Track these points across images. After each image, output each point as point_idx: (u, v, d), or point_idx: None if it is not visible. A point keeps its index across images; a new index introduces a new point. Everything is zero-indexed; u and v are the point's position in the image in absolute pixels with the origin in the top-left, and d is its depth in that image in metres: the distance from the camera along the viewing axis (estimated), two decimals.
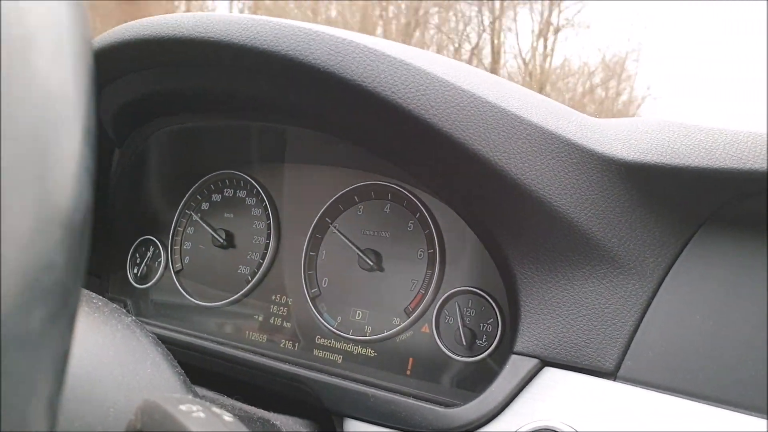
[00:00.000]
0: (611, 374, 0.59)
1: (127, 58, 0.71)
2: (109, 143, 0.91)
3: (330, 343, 0.84)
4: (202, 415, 0.32)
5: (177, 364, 0.53)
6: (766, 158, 0.57)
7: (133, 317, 0.54)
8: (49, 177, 0.22)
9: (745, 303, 0.58)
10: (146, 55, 0.69)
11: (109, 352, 0.48)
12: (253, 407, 0.66)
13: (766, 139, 0.58)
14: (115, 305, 0.55)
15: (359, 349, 0.82)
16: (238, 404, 0.65)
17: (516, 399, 0.59)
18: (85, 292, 0.55)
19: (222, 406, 0.62)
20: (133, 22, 0.69)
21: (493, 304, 0.74)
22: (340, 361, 0.82)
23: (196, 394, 0.51)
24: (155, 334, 0.85)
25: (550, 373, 0.60)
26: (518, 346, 0.61)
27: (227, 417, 0.33)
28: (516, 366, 0.60)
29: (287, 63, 0.60)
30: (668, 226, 0.62)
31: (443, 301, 0.77)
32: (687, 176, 0.59)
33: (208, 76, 0.69)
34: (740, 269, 0.59)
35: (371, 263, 0.82)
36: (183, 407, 0.32)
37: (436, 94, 0.59)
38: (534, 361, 0.60)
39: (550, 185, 0.60)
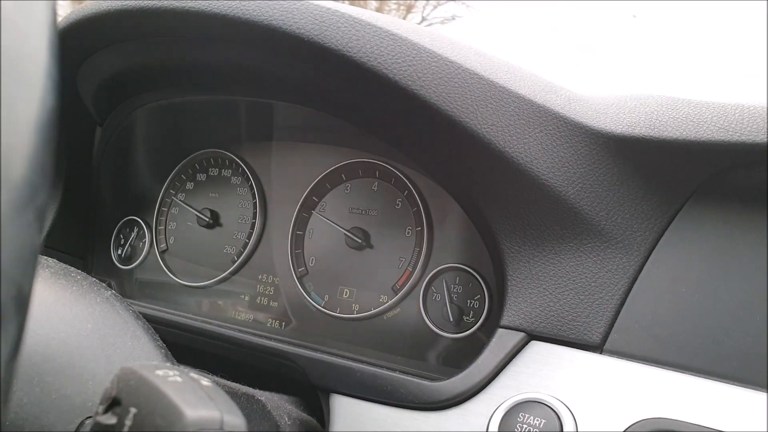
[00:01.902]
0: (597, 347, 0.58)
1: (103, 32, 0.70)
2: (90, 121, 0.89)
3: (317, 321, 0.83)
4: (179, 379, 0.31)
5: (158, 338, 0.52)
6: (752, 130, 0.56)
7: (113, 291, 0.53)
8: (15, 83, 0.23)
9: (731, 275, 0.58)
10: (123, 27, 0.68)
11: (87, 324, 0.47)
12: (238, 384, 0.65)
13: (753, 111, 0.58)
14: (94, 279, 0.54)
15: (346, 328, 0.81)
16: (223, 381, 0.64)
17: (502, 372, 0.59)
18: (65, 266, 0.54)
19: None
20: None
21: (481, 281, 0.73)
22: (327, 339, 0.81)
23: (177, 365, 0.50)
24: (142, 312, 0.84)
25: (536, 347, 0.60)
26: (505, 319, 0.61)
27: (205, 381, 0.32)
28: (502, 339, 0.60)
29: (270, 32, 0.59)
30: (656, 199, 0.61)
31: (431, 278, 0.77)
32: (674, 149, 0.59)
33: (188, 48, 0.68)
34: (727, 241, 0.59)
35: (359, 241, 0.81)
36: (160, 372, 0.31)
37: (424, 65, 0.58)
38: (520, 335, 0.60)
39: (538, 158, 0.60)
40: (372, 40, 0.58)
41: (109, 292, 0.52)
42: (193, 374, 0.33)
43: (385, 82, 0.58)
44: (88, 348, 0.46)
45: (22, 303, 0.25)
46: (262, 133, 0.93)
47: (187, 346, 0.79)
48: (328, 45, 0.58)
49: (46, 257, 0.55)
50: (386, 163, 0.82)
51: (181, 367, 0.44)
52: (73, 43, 0.73)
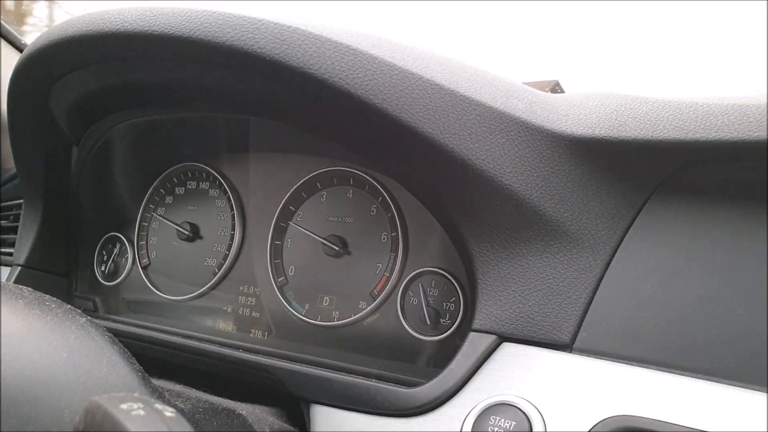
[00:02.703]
0: (567, 346, 0.60)
1: (71, 55, 0.71)
2: (65, 141, 0.90)
3: (299, 330, 0.84)
4: (141, 413, 0.32)
5: (135, 361, 0.53)
6: (706, 128, 0.58)
7: (88, 317, 0.54)
8: None
9: (694, 269, 0.59)
10: (90, 51, 0.69)
11: (62, 353, 0.48)
12: (220, 398, 0.67)
13: (706, 109, 0.59)
14: (69, 306, 0.55)
15: (328, 335, 0.83)
16: (204, 396, 0.65)
17: (475, 375, 0.60)
18: (39, 295, 0.55)
19: (187, 399, 0.63)
20: (75, 17, 0.68)
21: (455, 284, 0.75)
22: (310, 347, 0.83)
23: (154, 390, 0.51)
24: (124, 331, 0.86)
25: (508, 348, 0.61)
26: (476, 323, 0.62)
27: (169, 413, 0.33)
28: (474, 343, 0.61)
29: (232, 53, 0.60)
30: (618, 198, 0.63)
31: (407, 282, 0.78)
32: (634, 148, 0.60)
33: (155, 69, 0.69)
34: (689, 236, 0.60)
35: (336, 249, 0.82)
36: (124, 406, 0.33)
37: (384, 78, 0.60)
38: (492, 338, 0.61)
39: (501, 164, 0.61)
40: (332, 56, 0.59)
41: (84, 319, 0.53)
42: (158, 405, 0.34)
43: (347, 96, 0.59)
44: (64, 376, 0.47)
45: None
46: (238, 145, 0.94)
47: (170, 362, 0.80)
48: (289, 63, 0.59)
49: (21, 287, 0.56)
50: (360, 171, 0.83)
51: (152, 395, 0.45)
52: (43, 67, 0.74)
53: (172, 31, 0.61)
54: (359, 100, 0.59)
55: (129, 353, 0.54)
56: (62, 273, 1.00)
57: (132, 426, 0.30)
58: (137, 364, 0.54)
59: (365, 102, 0.59)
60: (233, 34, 0.60)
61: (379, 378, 0.68)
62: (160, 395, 0.52)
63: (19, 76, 0.76)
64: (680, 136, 0.58)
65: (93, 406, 0.34)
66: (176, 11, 0.62)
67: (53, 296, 0.89)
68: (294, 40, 0.59)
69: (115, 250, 1.01)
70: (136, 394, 0.37)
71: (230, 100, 0.75)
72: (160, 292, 0.96)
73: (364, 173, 0.83)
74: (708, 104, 0.60)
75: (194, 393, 0.68)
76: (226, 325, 0.91)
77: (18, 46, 1.31)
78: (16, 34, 1.28)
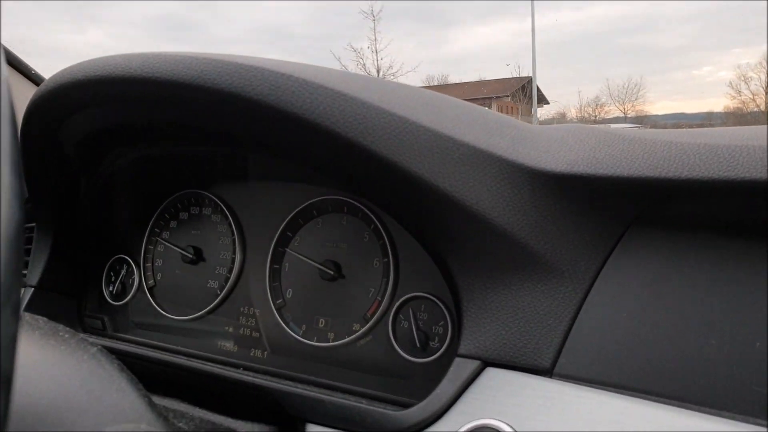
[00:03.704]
0: (547, 371, 0.63)
1: (80, 96, 0.75)
2: (74, 171, 0.95)
3: (296, 350, 0.88)
4: None
5: (142, 388, 0.57)
6: (678, 167, 0.61)
7: (99, 347, 0.58)
8: None
9: (670, 299, 0.62)
10: (96, 93, 0.73)
11: (75, 381, 0.52)
12: (221, 416, 0.71)
13: (679, 148, 0.63)
14: (81, 336, 0.59)
15: (324, 355, 0.87)
16: (207, 416, 0.70)
17: (459, 399, 0.64)
18: (53, 326, 0.60)
19: (191, 420, 0.67)
20: (84, 61, 0.73)
21: (444, 308, 0.79)
22: (306, 366, 0.87)
23: (160, 414, 0.55)
24: (131, 351, 0.90)
25: (491, 373, 0.65)
26: (461, 348, 0.66)
27: None
28: (459, 368, 0.65)
29: (231, 99, 0.64)
30: (597, 231, 0.67)
31: (398, 306, 0.82)
32: (610, 184, 0.64)
33: (158, 110, 0.73)
34: (666, 266, 0.64)
35: (331, 273, 0.87)
36: None
37: (373, 121, 0.64)
38: (476, 363, 0.65)
39: (484, 200, 0.65)
40: (324, 101, 0.63)
41: (95, 348, 0.58)
42: None
43: (338, 139, 0.64)
44: (77, 404, 0.51)
45: (5, 384, 0.31)
46: (237, 174, 0.98)
47: (174, 381, 0.85)
48: (284, 108, 0.63)
49: (36, 317, 0.60)
50: (353, 200, 0.87)
51: (157, 421, 0.49)
52: (53, 107, 0.79)
53: (173, 77, 0.66)
54: (350, 142, 0.63)
55: (136, 380, 0.58)
56: (72, 293, 1.04)
57: None
58: (144, 390, 0.58)
59: (355, 143, 0.63)
60: (232, 80, 0.64)
61: (372, 398, 0.72)
62: (165, 418, 0.56)
63: (33, 113, 0.81)
64: (653, 174, 0.62)
65: None
66: (178, 58, 0.67)
67: (64, 315, 0.94)
68: (288, 86, 0.63)
69: (122, 272, 1.05)
70: (143, 426, 0.41)
71: (230, 139, 0.79)
72: (165, 312, 1.00)
73: (358, 201, 0.87)
74: (681, 143, 0.64)
75: (197, 412, 0.72)
76: (227, 345, 0.95)
77: (28, 76, 1.36)
78: (26, 63, 1.33)
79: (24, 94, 0.87)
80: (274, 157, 0.77)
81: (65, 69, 0.75)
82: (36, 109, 0.80)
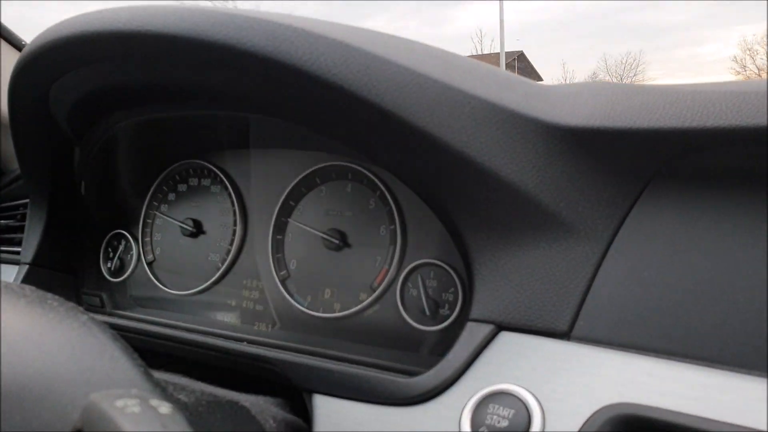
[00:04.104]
0: (565, 335, 0.60)
1: (66, 55, 0.71)
2: (67, 141, 0.91)
3: (302, 322, 0.85)
4: (136, 410, 0.33)
5: (137, 357, 0.54)
6: (702, 116, 0.58)
7: (90, 315, 0.55)
8: None
9: (691, 256, 0.59)
10: (84, 50, 0.69)
11: (65, 350, 0.49)
12: (224, 390, 0.68)
13: (703, 96, 0.59)
14: (72, 304, 0.56)
15: (330, 326, 0.84)
16: (209, 389, 0.67)
17: (473, 365, 0.61)
18: (41, 294, 0.56)
19: (191, 392, 0.64)
20: (70, 18, 0.69)
21: (453, 274, 0.75)
22: (313, 338, 0.84)
23: (156, 384, 0.52)
24: (131, 326, 0.87)
25: (505, 337, 0.62)
26: (474, 312, 0.63)
27: (164, 409, 0.34)
28: (472, 332, 0.62)
29: (226, 51, 0.61)
30: (615, 187, 0.63)
31: (406, 274, 0.79)
32: (630, 137, 0.60)
33: (151, 68, 0.70)
34: (687, 223, 0.61)
35: (336, 242, 0.83)
36: (119, 402, 0.33)
37: (378, 73, 0.60)
38: (489, 327, 0.62)
39: (496, 156, 0.61)
40: (326, 52, 0.60)
41: (86, 317, 0.54)
42: (154, 401, 0.35)
43: (341, 92, 0.60)
44: (67, 374, 0.48)
45: None
46: (238, 142, 0.95)
47: (176, 356, 0.82)
48: (283, 60, 0.59)
49: (23, 285, 0.57)
50: (358, 165, 0.84)
51: (153, 390, 0.46)
52: (40, 68, 0.75)
53: (164, 30, 0.62)
54: (353, 96, 0.60)
55: (131, 349, 0.55)
56: (69, 270, 1.01)
57: (125, 423, 0.31)
58: (139, 359, 0.55)
59: (359, 97, 0.60)
60: (225, 32, 0.60)
61: (380, 368, 0.69)
62: (163, 389, 0.53)
63: (18, 77, 0.77)
64: (677, 125, 0.58)
65: (90, 404, 0.35)
66: (169, 9, 0.63)
67: (61, 293, 0.90)
68: (286, 36, 0.60)
69: (120, 247, 1.02)
70: (133, 390, 0.38)
71: (229, 99, 0.75)
72: (166, 287, 0.98)
73: (362, 167, 0.83)
74: (705, 91, 0.60)
75: (198, 386, 0.69)
76: (230, 319, 0.92)
77: (18, 47, 1.32)
78: (16, 34, 1.29)
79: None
80: (275, 118, 0.73)
81: (51, 27, 0.71)
82: (22, 71, 0.76)
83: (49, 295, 0.56)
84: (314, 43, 0.60)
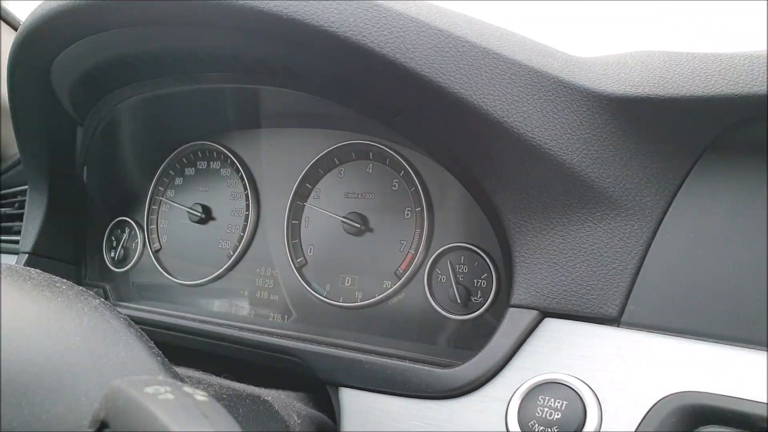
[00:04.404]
0: (615, 320, 0.56)
1: (67, 27, 0.66)
2: (69, 121, 0.86)
3: (320, 312, 0.80)
4: (170, 396, 0.28)
5: (153, 345, 0.49)
6: (763, 81, 0.53)
7: (102, 299, 0.50)
8: None
9: (750, 233, 0.54)
10: (86, 20, 0.64)
11: (75, 337, 0.44)
12: (243, 384, 0.63)
13: (762, 60, 0.55)
14: (81, 288, 0.51)
15: (351, 316, 0.79)
16: (227, 383, 0.62)
17: (517, 354, 0.56)
18: (48, 276, 0.51)
19: (209, 386, 0.59)
20: None
21: (486, 259, 0.70)
22: (332, 330, 0.79)
23: (176, 375, 0.47)
24: (137, 317, 0.82)
25: (550, 324, 0.57)
26: (515, 298, 0.58)
27: (200, 396, 0.29)
28: (514, 319, 0.57)
29: (249, 13, 0.55)
30: (665, 161, 0.58)
31: (434, 259, 0.74)
32: (682, 106, 0.56)
33: (162, 35, 0.64)
34: (743, 199, 0.56)
35: (357, 226, 0.78)
36: (149, 389, 0.29)
37: (411, 35, 0.55)
38: (533, 313, 0.57)
39: (538, 127, 0.56)
40: (355, 12, 0.55)
41: (98, 301, 0.49)
42: (187, 388, 0.30)
43: (371, 56, 0.55)
44: (78, 362, 0.43)
45: None
46: (249, 121, 0.90)
47: (189, 348, 0.77)
48: (308, 21, 0.54)
49: (28, 268, 0.52)
50: (380, 144, 0.79)
51: (175, 379, 0.41)
52: (40, 42, 0.70)
53: None
54: (385, 59, 0.55)
55: (147, 337, 0.50)
56: (71, 260, 0.96)
57: (162, 412, 0.26)
58: (156, 348, 0.50)
59: (391, 61, 0.55)
60: None
61: (410, 360, 0.64)
62: (183, 381, 0.48)
63: (18, 53, 0.72)
64: (736, 91, 0.54)
65: (114, 392, 0.30)
66: None
67: None
68: None
69: (125, 235, 0.97)
70: (160, 377, 0.33)
71: (241, 68, 0.70)
72: (173, 277, 0.92)
73: (385, 146, 0.78)
74: (763, 55, 0.56)
75: (215, 380, 0.64)
76: (242, 310, 0.87)
77: (16, 27, 1.26)
78: (14, 14, 1.23)
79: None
80: (290, 89, 0.68)
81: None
82: (22, 47, 0.71)
83: (57, 278, 0.51)
84: (342, 3, 0.55)
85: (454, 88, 0.55)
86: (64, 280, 0.51)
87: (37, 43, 0.70)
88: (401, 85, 0.57)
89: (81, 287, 0.51)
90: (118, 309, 0.87)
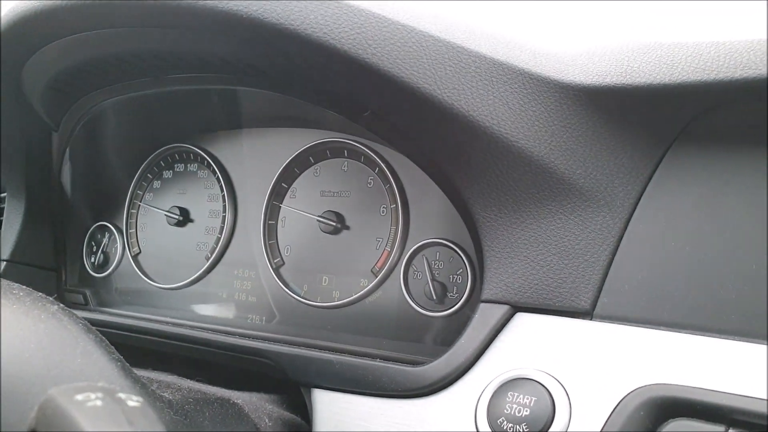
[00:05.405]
0: (587, 313, 0.55)
1: (36, 30, 0.66)
2: (44, 127, 0.85)
3: (299, 312, 0.80)
4: (99, 403, 0.27)
5: (114, 350, 0.49)
6: (730, 67, 0.52)
7: (60, 305, 0.49)
8: None
9: (722, 223, 0.54)
10: (55, 23, 0.64)
11: (30, 344, 0.44)
12: (213, 387, 0.62)
13: (729, 47, 0.54)
14: (39, 294, 0.50)
15: (329, 316, 0.78)
16: (197, 386, 0.61)
17: (487, 350, 0.55)
18: (6, 283, 0.51)
19: (178, 389, 0.58)
20: None
21: (462, 254, 0.70)
22: (310, 330, 0.78)
23: (136, 380, 0.47)
24: (116, 323, 0.81)
25: (522, 319, 0.56)
26: (486, 293, 0.58)
27: (132, 402, 0.29)
28: (485, 315, 0.57)
29: (208, 14, 0.55)
30: (635, 151, 0.58)
31: (410, 256, 0.73)
32: (650, 95, 0.55)
33: (126, 38, 0.64)
34: (714, 188, 0.55)
35: (333, 224, 0.78)
36: (80, 396, 0.28)
37: (372, 31, 0.54)
38: (504, 308, 0.57)
39: (504, 120, 0.56)
40: (315, 9, 0.54)
41: (56, 307, 0.49)
42: (122, 394, 0.30)
43: (333, 53, 0.54)
44: (32, 369, 0.42)
45: None
46: (225, 122, 0.89)
47: (164, 352, 0.76)
48: (268, 20, 0.54)
49: None
50: (355, 141, 0.78)
51: (110, 387, 0.41)
52: (10, 46, 0.69)
53: None
54: (347, 56, 0.54)
55: (107, 342, 0.49)
56: (50, 266, 0.95)
57: (84, 419, 0.25)
58: (116, 354, 0.49)
59: (353, 57, 0.54)
60: None
61: (384, 359, 0.63)
62: (144, 386, 0.48)
63: None
64: (702, 78, 0.53)
65: (46, 401, 0.29)
66: None
67: (42, 291, 0.84)
68: None
69: (105, 240, 0.97)
70: (99, 384, 0.32)
71: (208, 69, 0.69)
72: (153, 280, 0.92)
73: (360, 144, 0.78)
74: (730, 42, 0.55)
75: (186, 383, 0.63)
76: (222, 311, 0.86)
77: None
78: None
79: None
80: (262, 89, 0.67)
81: (15, 3, 0.65)
82: None
83: (15, 284, 0.50)
84: (302, 3, 0.54)
85: (417, 83, 0.54)
86: (23, 286, 0.51)
87: (5, 49, 0.69)
88: (365, 81, 0.56)
89: (40, 294, 0.51)
90: (99, 314, 0.87)
